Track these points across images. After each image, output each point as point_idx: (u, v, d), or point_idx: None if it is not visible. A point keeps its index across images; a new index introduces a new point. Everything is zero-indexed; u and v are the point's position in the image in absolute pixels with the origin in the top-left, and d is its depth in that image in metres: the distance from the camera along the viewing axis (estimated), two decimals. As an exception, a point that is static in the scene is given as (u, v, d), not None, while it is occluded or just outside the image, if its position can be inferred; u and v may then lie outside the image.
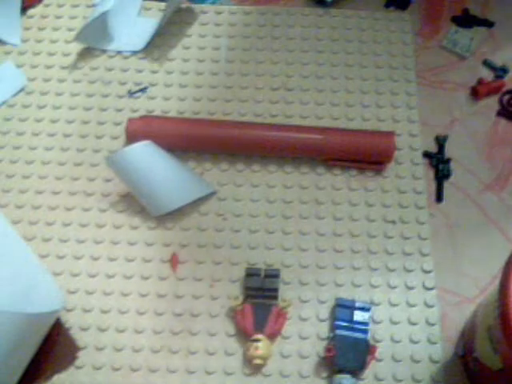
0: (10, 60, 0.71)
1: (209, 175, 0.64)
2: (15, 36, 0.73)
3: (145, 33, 0.72)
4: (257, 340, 0.54)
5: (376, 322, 0.57)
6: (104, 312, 0.58)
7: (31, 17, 0.75)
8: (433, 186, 0.64)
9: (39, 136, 0.67)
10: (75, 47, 0.72)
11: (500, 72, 0.70)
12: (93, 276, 0.59)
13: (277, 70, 0.71)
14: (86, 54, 0.72)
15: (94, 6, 0.75)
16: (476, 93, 0.69)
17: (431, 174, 0.64)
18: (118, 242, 0.61)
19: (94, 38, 0.71)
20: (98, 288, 0.59)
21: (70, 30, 0.74)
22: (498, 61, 0.71)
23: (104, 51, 0.72)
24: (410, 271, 0.59)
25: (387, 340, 0.56)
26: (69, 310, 0.57)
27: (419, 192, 0.63)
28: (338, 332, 0.55)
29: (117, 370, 0.55)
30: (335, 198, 0.63)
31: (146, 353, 0.56)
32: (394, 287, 0.58)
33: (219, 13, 0.75)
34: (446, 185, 0.64)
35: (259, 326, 0.55)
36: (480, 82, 0.69)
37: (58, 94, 0.69)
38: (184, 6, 0.75)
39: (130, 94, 0.69)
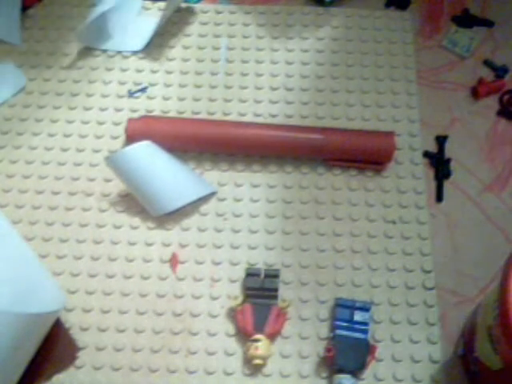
0: (10, 60, 0.71)
1: (209, 175, 0.64)
2: (15, 36, 0.73)
3: (145, 33, 0.72)
4: (257, 340, 0.54)
5: (376, 322, 0.57)
6: (104, 312, 0.58)
7: (31, 17, 0.75)
8: (433, 185, 0.64)
9: (39, 136, 0.67)
10: (75, 47, 0.72)
11: (500, 72, 0.70)
12: (93, 276, 0.59)
13: (277, 69, 0.71)
14: (86, 53, 0.72)
15: (94, 6, 0.74)
16: (476, 93, 0.69)
17: (431, 174, 0.64)
18: (118, 242, 0.61)
19: (94, 37, 0.71)
20: (98, 288, 0.59)
21: (69, 29, 0.74)
22: (498, 61, 0.71)
23: (104, 51, 0.72)
24: (410, 271, 0.59)
25: (387, 340, 0.56)
26: (69, 310, 0.57)
27: (419, 192, 0.63)
28: (338, 332, 0.55)
29: (117, 370, 0.55)
30: (335, 198, 0.63)
31: (145, 353, 0.56)
32: (394, 287, 0.58)
33: (219, 12, 0.75)
34: (446, 185, 0.64)
35: (259, 326, 0.55)
36: (480, 82, 0.69)
37: (58, 94, 0.69)
38: (184, 5, 0.75)
39: (130, 93, 0.69)
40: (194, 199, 0.62)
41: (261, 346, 0.54)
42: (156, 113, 0.68)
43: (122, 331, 0.57)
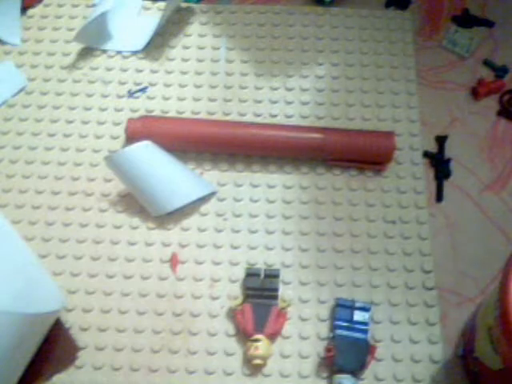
0: (10, 60, 0.71)
1: (209, 175, 0.64)
2: (15, 36, 0.73)
3: (145, 33, 0.72)
4: (257, 340, 0.54)
5: (376, 322, 0.57)
6: (104, 312, 0.58)
7: (31, 17, 0.75)
8: (433, 185, 0.64)
9: (39, 136, 0.67)
10: (75, 47, 0.72)
11: (500, 72, 0.70)
12: (93, 276, 0.59)
13: (277, 69, 0.71)
14: (86, 54, 0.72)
15: (93, 5, 0.75)
16: (476, 93, 0.69)
17: (431, 174, 0.64)
18: (118, 242, 0.61)
19: (93, 38, 0.71)
20: (98, 288, 0.59)
21: (69, 29, 0.74)
22: (498, 61, 0.71)
23: (104, 51, 0.72)
24: (410, 271, 0.59)
25: (387, 340, 0.56)
26: (69, 310, 0.57)
27: (419, 192, 0.63)
28: (338, 332, 0.55)
29: (117, 369, 0.55)
30: (335, 198, 0.63)
31: (145, 353, 0.56)
32: (394, 287, 0.58)
33: (219, 12, 0.75)
34: (446, 185, 0.64)
35: (259, 326, 0.54)
36: (480, 82, 0.69)
37: (58, 94, 0.69)
38: (184, 5, 0.75)
39: (130, 93, 0.69)
40: (193, 199, 0.62)
41: (261, 345, 0.54)
42: (156, 113, 0.68)
43: (121, 331, 0.57)
